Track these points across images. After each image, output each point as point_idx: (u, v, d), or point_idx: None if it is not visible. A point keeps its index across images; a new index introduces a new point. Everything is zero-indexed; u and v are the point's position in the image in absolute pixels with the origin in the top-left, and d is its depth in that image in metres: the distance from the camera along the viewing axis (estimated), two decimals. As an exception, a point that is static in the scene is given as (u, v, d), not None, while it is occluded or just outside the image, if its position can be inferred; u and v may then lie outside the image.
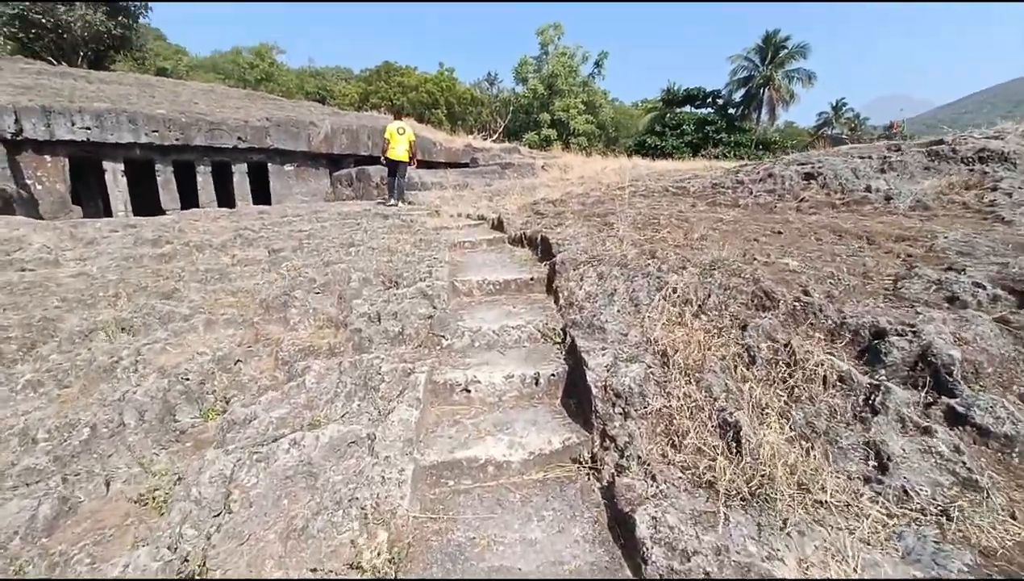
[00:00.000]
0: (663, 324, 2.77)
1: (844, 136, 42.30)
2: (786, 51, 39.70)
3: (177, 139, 16.80)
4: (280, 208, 8.81)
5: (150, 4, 29.21)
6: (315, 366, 3.08)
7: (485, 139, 33.45)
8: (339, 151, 20.30)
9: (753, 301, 2.69)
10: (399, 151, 10.54)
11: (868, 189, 4.93)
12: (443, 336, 3.33)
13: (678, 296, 2.91)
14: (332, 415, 2.64)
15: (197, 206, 17.98)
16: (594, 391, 2.45)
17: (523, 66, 46.35)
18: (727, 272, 2.98)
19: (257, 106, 21.28)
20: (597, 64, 47.17)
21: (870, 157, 5.56)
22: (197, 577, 1.77)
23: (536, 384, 2.86)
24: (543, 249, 4.39)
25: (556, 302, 3.65)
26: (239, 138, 17.74)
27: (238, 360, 3.29)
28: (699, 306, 2.80)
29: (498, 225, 6.00)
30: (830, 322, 2.45)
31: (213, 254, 6.26)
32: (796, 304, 2.55)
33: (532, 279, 4.08)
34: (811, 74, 38.91)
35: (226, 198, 18.94)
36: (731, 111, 41.38)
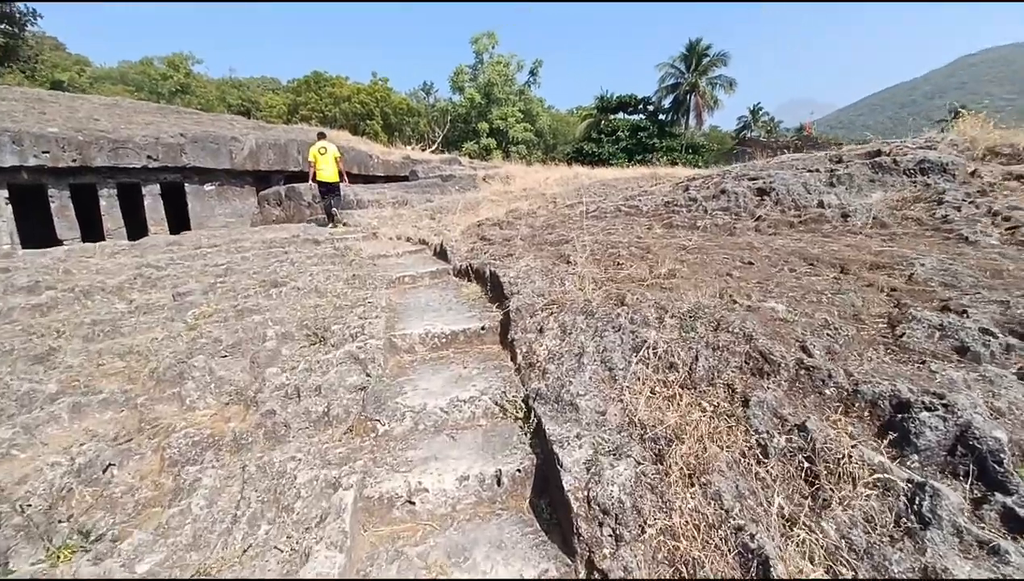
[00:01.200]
0: (647, 398, 2.34)
1: (762, 138, 45.10)
2: (708, 59, 41.87)
3: (74, 160, 14.95)
4: (195, 237, 7.82)
5: (39, 9, 26.27)
6: (209, 477, 2.40)
7: (424, 150, 32.71)
8: (266, 167, 18.96)
9: (749, 364, 2.32)
10: (327, 172, 10.03)
11: (821, 205, 4.84)
12: (378, 420, 2.72)
13: (660, 359, 2.49)
14: (229, 557, 1.99)
15: (101, 234, 16.11)
16: (574, 506, 1.96)
17: (459, 75, 46.04)
18: (710, 324, 2.61)
19: (170, 121, 19.51)
20: (532, 72, 47.71)
21: (817, 170, 5.50)
22: None
23: (498, 484, 2.32)
24: (493, 286, 3.86)
25: (513, 360, 3.16)
26: (149, 157, 16.09)
27: (109, 464, 2.54)
28: (687, 373, 2.39)
29: (441, 253, 5.44)
30: (842, 391, 2.10)
31: (105, 300, 5.32)
32: (799, 369, 2.21)
33: (484, 329, 3.56)
34: (732, 81, 41.25)
35: (138, 224, 17.13)
36: (662, 117, 43.02)
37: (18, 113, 16.07)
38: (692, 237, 3.98)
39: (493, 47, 45.41)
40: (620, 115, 42.56)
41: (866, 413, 2.04)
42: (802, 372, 2.22)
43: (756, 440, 2.00)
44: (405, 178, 22.01)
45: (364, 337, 3.42)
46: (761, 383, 2.25)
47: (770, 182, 4.92)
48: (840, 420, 2.05)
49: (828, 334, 2.49)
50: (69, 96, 20.70)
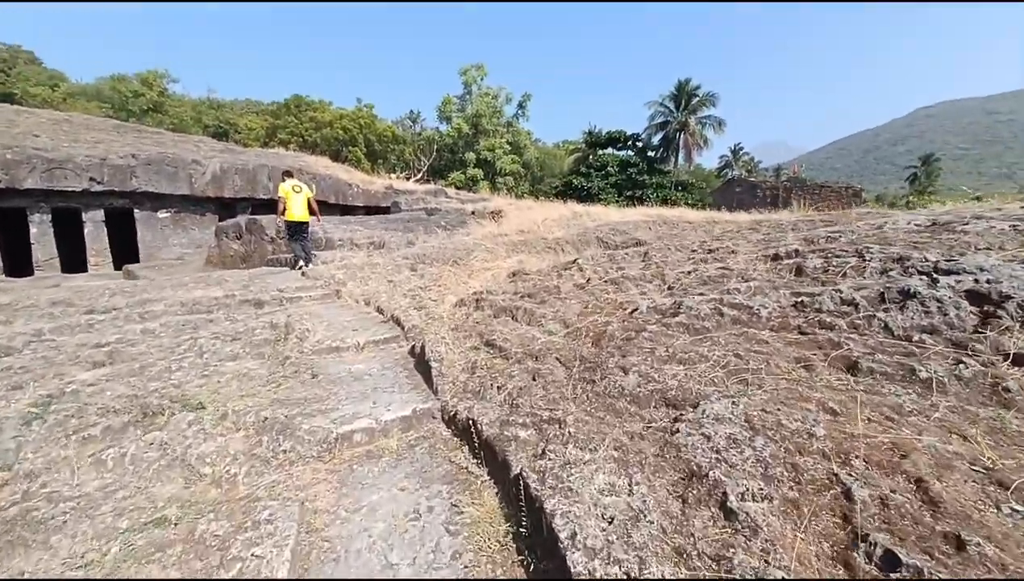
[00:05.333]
0: None
1: (752, 178, 45.22)
2: (697, 98, 42.00)
3: (-2, 180, 12.95)
4: (98, 289, 6.01)
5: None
6: None
7: (408, 179, 31.33)
8: (231, 194, 17.17)
9: None
10: (298, 211, 8.71)
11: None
12: None
13: None
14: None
15: (29, 266, 13.99)
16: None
17: (447, 105, 45.32)
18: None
19: (126, 140, 17.63)
20: (520, 105, 47.32)
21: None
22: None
23: None
24: (533, 526, 1.80)
25: None
26: (92, 179, 14.18)
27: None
28: None
29: (421, 358, 3.53)
30: None
31: None
32: None
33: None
34: (721, 121, 41.33)
35: (77, 254, 15.05)
36: (651, 153, 42.79)
37: (-61, 126, 14.12)
38: (921, 418, 1.84)
39: (482, 79, 44.95)
40: (609, 150, 42.26)
41: None
42: None
43: None
44: (387, 210, 20.45)
45: None
46: None
47: (990, 280, 2.55)
48: None
49: None
50: (13, 109, 18.70)
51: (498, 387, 2.69)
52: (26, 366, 3.83)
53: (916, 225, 4.29)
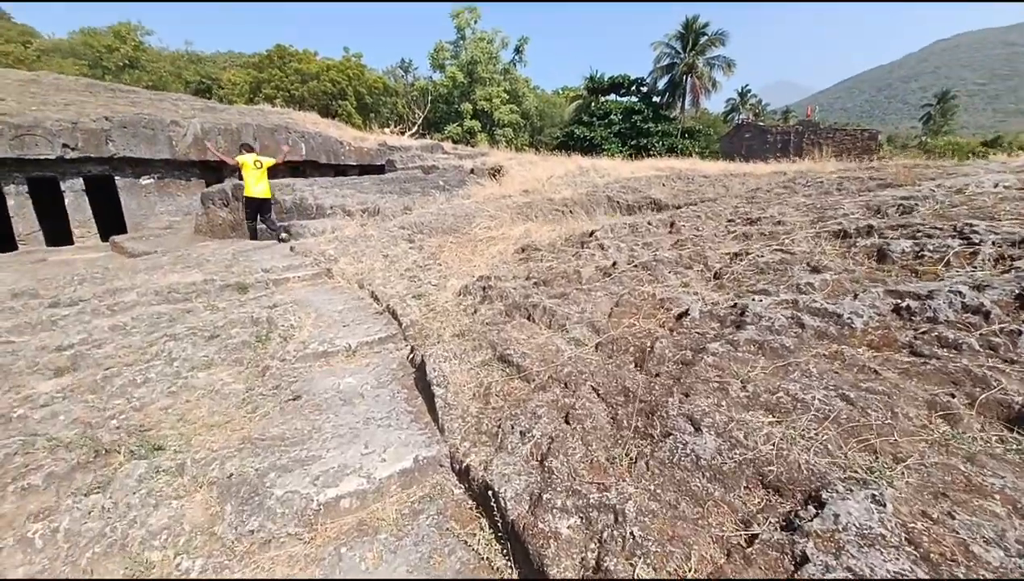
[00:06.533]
0: None
1: (760, 122, 43.31)
2: (706, 38, 39.47)
3: (-40, 151, 12.15)
4: (66, 276, 5.49)
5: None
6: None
7: (403, 133, 29.93)
8: (216, 157, 16.25)
9: None
10: (259, 188, 8.34)
11: None
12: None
13: None
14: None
15: (12, 241, 13.38)
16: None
17: (439, 52, 42.82)
18: None
19: (99, 101, 16.54)
20: (517, 50, 44.74)
21: None
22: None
23: None
24: None
25: None
26: (65, 145, 13.31)
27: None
28: None
29: (421, 370, 2.98)
30: None
31: None
32: None
33: None
34: (731, 62, 39.02)
35: (61, 226, 14.39)
36: (656, 99, 40.74)
37: None
38: None
39: (475, 22, 42.15)
40: (612, 97, 40.31)
41: None
42: None
43: None
44: (381, 169, 19.50)
45: None
46: None
47: None
48: None
49: None
50: (-23, 70, 17.51)
51: (521, 432, 2.14)
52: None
53: (1006, 186, 3.63)
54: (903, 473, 1.52)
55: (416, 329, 3.60)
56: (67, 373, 3.51)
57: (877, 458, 1.60)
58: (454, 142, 31.40)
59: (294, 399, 2.87)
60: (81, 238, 14.32)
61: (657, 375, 2.34)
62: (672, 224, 4.50)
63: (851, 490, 1.46)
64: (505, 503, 1.86)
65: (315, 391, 3.02)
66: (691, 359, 2.34)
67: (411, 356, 3.34)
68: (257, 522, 1.92)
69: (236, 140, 16.55)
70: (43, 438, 2.57)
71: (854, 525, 1.35)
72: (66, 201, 14.03)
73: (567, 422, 2.17)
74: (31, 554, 1.79)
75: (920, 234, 2.94)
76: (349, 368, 3.35)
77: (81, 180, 14.11)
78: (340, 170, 19.28)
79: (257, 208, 8.54)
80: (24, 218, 13.47)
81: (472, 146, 30.30)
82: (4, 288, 5.05)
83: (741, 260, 3.25)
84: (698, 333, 2.56)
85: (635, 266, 3.55)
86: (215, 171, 16.45)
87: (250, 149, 8.89)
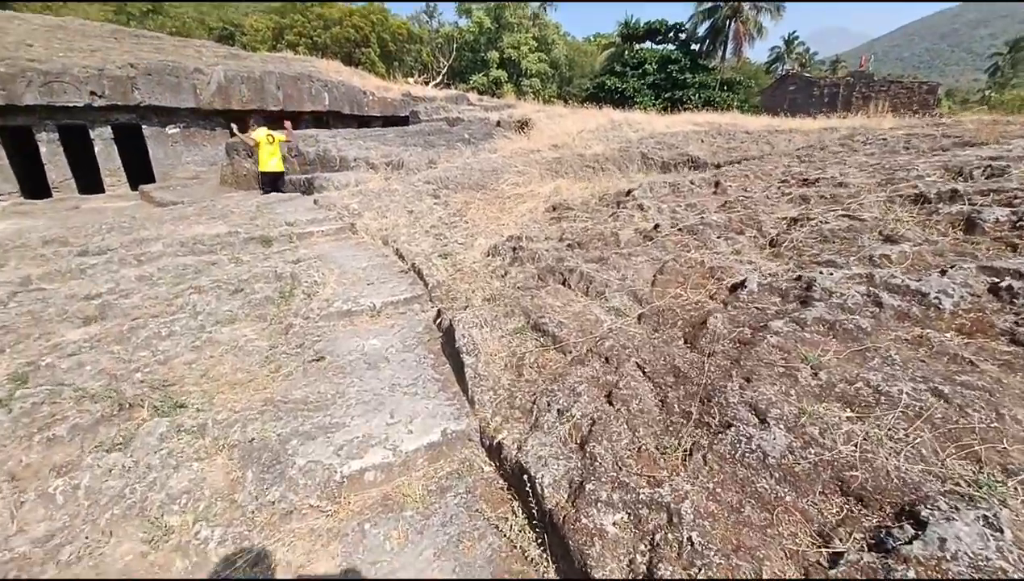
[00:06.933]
0: None
1: (806, 73, 40.39)
2: (753, -22, 36.36)
3: (-6, 97, 12.24)
4: (95, 224, 5.50)
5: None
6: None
7: (427, 83, 29.01)
8: (240, 106, 16.07)
9: None
10: (271, 163, 8.69)
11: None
12: None
13: None
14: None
15: (46, 188, 13.67)
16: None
17: (466, -5, 40.75)
18: None
19: (124, 47, 16.35)
20: (548, -7, 42.24)
21: None
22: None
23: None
24: None
25: None
26: (93, 93, 13.28)
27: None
28: None
29: (449, 335, 2.83)
30: None
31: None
32: None
33: None
34: (780, 6, 36.03)
35: (92, 174, 14.60)
36: (694, 47, 38.18)
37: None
38: None
39: (505, -38, 39.72)
40: (647, 44, 37.97)
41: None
42: None
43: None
44: (405, 120, 19.01)
45: None
46: None
47: None
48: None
49: None
50: (6, 15, 17.40)
51: (559, 410, 1.98)
52: (9, 325, 3.39)
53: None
54: (1017, 490, 1.30)
55: (443, 290, 3.45)
56: (95, 322, 3.51)
57: (982, 469, 1.37)
58: (479, 93, 30.33)
59: (317, 360, 2.79)
60: (112, 187, 14.53)
61: (711, 355, 2.09)
62: (717, 184, 4.15)
63: (957, 508, 1.24)
64: (542, 489, 1.72)
65: (339, 352, 2.93)
66: (751, 338, 2.09)
67: (438, 320, 3.20)
68: (279, 492, 1.85)
69: (259, 89, 16.27)
70: (70, 388, 2.57)
71: (966, 554, 1.13)
72: (96, 149, 14.16)
73: (610, 402, 1.99)
74: (52, 510, 1.78)
75: (1018, 201, 2.57)
76: (374, 329, 3.25)
77: (110, 128, 14.16)
78: (363, 121, 18.89)
79: (271, 182, 8.84)
80: (56, 166, 13.68)
81: (498, 97, 29.25)
82: (35, 235, 5.09)
83: (801, 226, 2.94)
84: (757, 308, 2.30)
85: (679, 230, 3.27)
86: (239, 121, 16.29)
87: (270, 124, 9.33)
